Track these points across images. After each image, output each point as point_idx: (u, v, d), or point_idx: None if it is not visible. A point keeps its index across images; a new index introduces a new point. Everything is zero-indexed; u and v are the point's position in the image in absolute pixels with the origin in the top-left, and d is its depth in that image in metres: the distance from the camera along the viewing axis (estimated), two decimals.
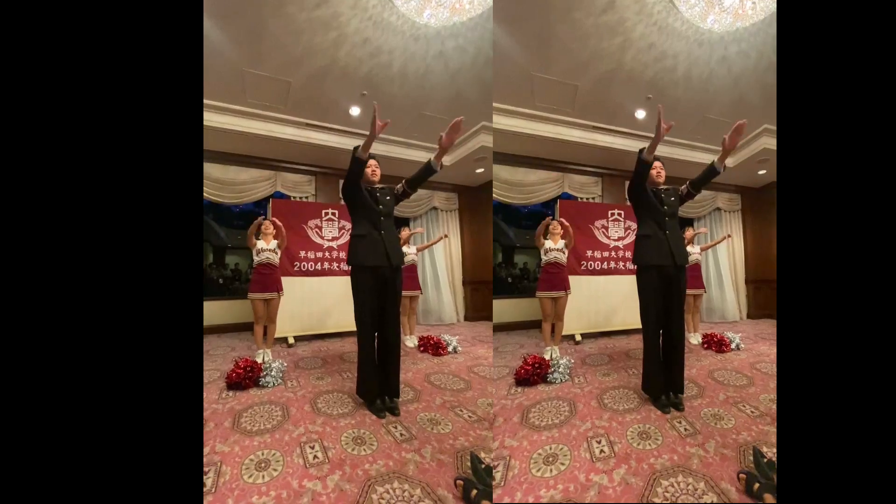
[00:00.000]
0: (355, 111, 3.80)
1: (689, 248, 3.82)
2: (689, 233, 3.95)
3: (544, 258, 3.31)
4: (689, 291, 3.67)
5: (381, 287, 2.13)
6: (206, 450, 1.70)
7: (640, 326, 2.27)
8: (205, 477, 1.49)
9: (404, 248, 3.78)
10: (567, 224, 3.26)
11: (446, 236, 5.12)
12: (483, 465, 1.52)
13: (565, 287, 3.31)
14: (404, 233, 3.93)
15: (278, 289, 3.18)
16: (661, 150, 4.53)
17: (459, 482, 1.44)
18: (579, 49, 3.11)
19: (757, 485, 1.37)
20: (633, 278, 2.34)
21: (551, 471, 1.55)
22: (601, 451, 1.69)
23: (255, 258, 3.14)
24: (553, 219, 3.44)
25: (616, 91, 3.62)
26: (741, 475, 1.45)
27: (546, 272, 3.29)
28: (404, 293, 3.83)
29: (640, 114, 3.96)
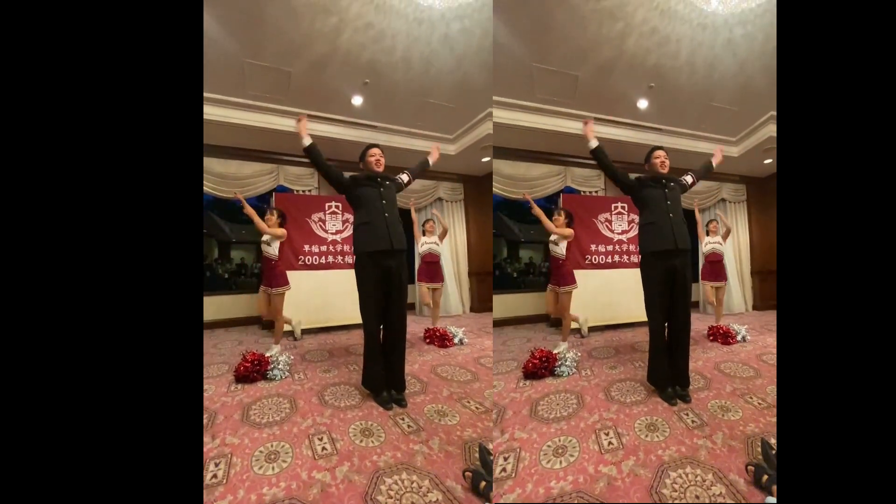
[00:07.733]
0: (358, 101, 3.75)
1: (708, 238, 3.96)
2: (712, 225, 4.03)
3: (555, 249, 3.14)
4: (710, 283, 3.91)
5: (386, 277, 2.10)
6: (216, 442, 1.71)
7: (645, 319, 2.26)
8: (216, 468, 1.51)
9: (425, 238, 3.79)
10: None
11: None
12: (492, 457, 1.53)
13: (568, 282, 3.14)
14: (428, 225, 3.95)
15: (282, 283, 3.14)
16: (664, 140, 4.48)
17: (468, 473, 1.44)
18: (579, 36, 3.01)
19: (766, 477, 1.36)
20: (638, 271, 2.31)
21: (561, 462, 1.55)
22: (609, 442, 1.69)
23: (268, 249, 3.04)
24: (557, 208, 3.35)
25: (617, 80, 3.53)
26: (749, 467, 1.45)
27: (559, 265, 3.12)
28: (427, 285, 3.85)
29: (643, 103, 3.88)
